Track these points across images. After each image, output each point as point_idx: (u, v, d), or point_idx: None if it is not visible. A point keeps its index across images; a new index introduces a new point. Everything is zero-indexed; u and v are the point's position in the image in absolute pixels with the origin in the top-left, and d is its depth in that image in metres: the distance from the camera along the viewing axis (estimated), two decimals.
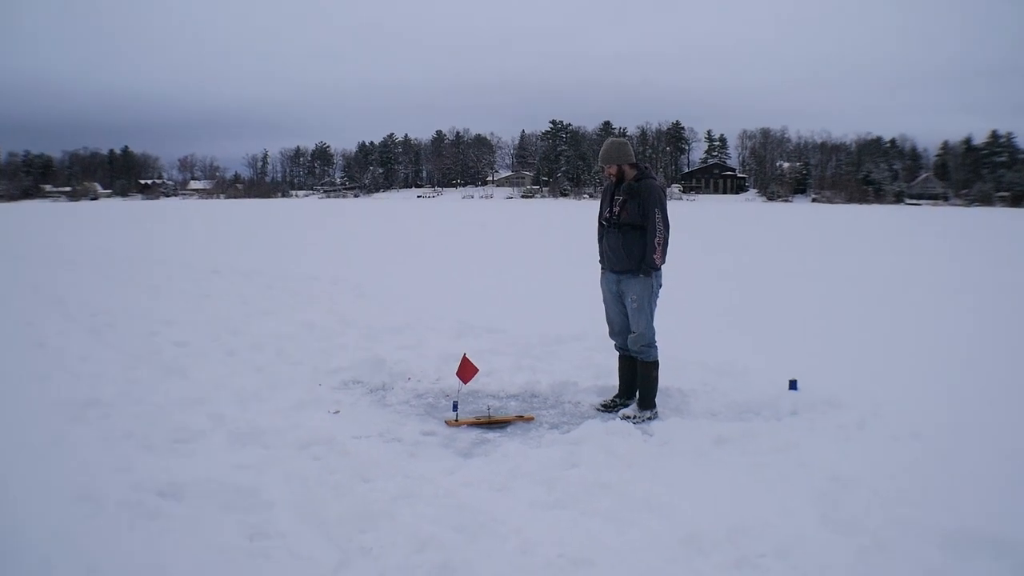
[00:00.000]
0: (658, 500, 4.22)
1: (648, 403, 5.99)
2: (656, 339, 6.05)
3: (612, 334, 6.36)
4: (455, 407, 5.96)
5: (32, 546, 3.77)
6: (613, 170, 6.00)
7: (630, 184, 5.94)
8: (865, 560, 3.63)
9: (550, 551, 3.70)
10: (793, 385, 6.21)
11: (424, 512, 4.15)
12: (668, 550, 3.71)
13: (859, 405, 5.86)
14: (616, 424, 5.47)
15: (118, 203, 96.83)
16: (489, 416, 5.94)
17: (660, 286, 6.08)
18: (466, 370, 6.06)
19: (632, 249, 5.91)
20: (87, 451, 5.07)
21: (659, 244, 5.80)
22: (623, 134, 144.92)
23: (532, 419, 6.00)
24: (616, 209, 5.98)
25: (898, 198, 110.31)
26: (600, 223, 6.20)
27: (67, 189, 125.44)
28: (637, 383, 6.12)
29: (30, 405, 6.08)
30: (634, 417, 5.87)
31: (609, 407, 6.21)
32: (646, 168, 6.02)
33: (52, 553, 3.69)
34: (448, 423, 5.82)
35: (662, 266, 5.92)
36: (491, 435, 5.60)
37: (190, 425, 5.56)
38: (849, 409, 5.77)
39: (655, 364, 6.02)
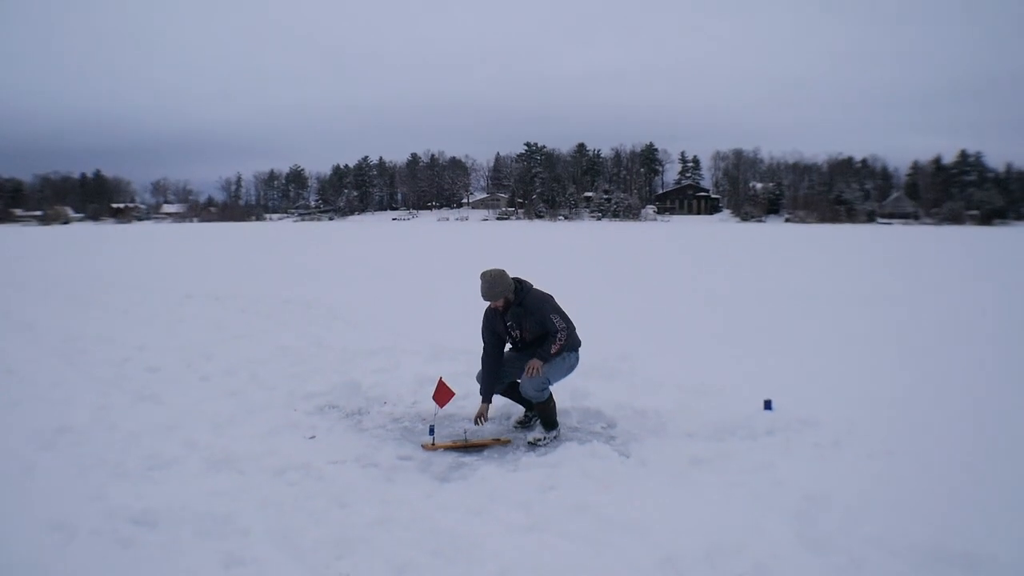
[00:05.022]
0: (635, 522, 4.24)
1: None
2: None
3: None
4: (431, 431, 5.94)
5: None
6: (500, 303, 6.08)
7: (514, 309, 6.06)
8: None
9: (527, 575, 3.70)
10: (768, 405, 6.26)
11: (401, 537, 4.14)
12: (646, 572, 3.72)
13: (834, 424, 5.91)
14: (593, 446, 5.49)
15: (90, 227, 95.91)
16: (466, 440, 5.93)
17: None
18: (442, 394, 6.05)
19: (544, 350, 5.98)
20: (59, 479, 5.01)
21: (559, 345, 5.93)
22: (597, 156, 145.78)
23: (509, 442, 6.00)
24: (517, 333, 6.13)
25: (870, 217, 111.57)
26: (484, 345, 6.23)
27: (38, 213, 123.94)
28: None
29: (1, 432, 5.99)
30: (543, 439, 5.98)
31: (524, 423, 6.40)
32: (520, 285, 6.12)
33: None
34: (425, 447, 5.80)
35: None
36: (468, 459, 5.59)
37: (164, 452, 5.51)
38: (824, 428, 5.82)
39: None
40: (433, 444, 5.82)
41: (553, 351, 5.90)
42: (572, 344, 6.15)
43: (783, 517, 4.28)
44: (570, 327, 6.03)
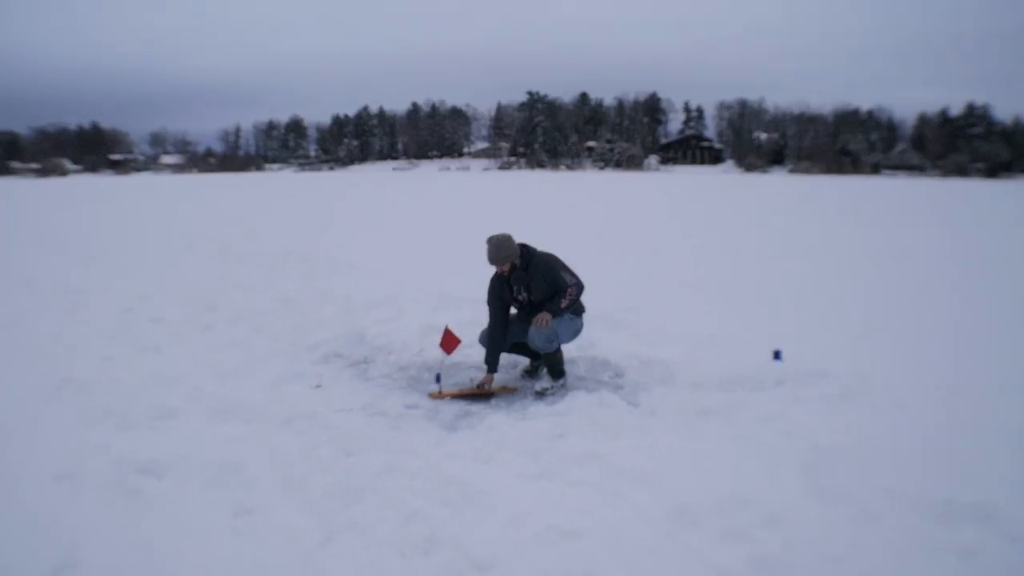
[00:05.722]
0: (645, 471, 4.21)
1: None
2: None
3: None
4: (438, 379, 5.91)
5: (12, 528, 3.69)
6: (506, 267, 5.95)
7: (519, 274, 5.94)
8: (853, 530, 3.62)
9: (538, 523, 3.67)
10: (777, 355, 6.18)
11: (410, 485, 4.12)
12: (658, 521, 3.69)
13: (843, 375, 5.83)
14: (602, 395, 5.45)
15: (88, 179, 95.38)
16: (473, 387, 5.89)
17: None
18: (449, 342, 6.00)
19: (555, 303, 5.88)
20: (65, 430, 4.99)
21: (570, 299, 5.84)
22: (600, 105, 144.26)
23: (516, 390, 5.98)
24: (524, 296, 6.01)
25: (875, 169, 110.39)
26: (491, 313, 6.10)
27: (35, 166, 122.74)
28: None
29: (5, 385, 5.96)
30: (551, 388, 5.93)
31: (530, 372, 6.39)
32: (525, 250, 5.99)
33: (32, 534, 3.63)
34: (431, 395, 5.78)
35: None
36: (475, 407, 5.56)
37: (169, 402, 5.48)
38: (833, 379, 5.74)
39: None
40: (440, 392, 5.79)
41: (564, 304, 5.81)
42: (581, 310, 6.10)
43: (794, 468, 4.24)
44: (580, 284, 5.93)
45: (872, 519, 3.71)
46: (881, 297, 9.87)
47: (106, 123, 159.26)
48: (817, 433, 4.72)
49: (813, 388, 5.58)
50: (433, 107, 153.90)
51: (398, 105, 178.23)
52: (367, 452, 4.61)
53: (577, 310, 6.08)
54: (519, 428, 4.98)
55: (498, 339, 6.07)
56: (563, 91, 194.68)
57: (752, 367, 6.04)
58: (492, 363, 6.03)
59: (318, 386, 6.06)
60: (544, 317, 5.75)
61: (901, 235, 18.52)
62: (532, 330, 5.81)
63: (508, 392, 5.96)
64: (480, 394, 5.83)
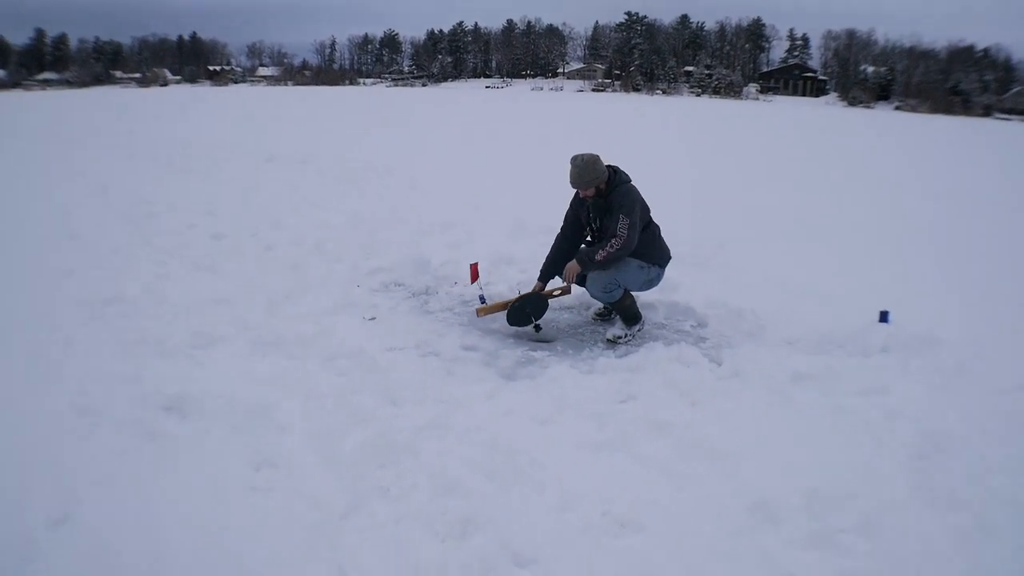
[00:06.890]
0: (724, 451, 3.60)
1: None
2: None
3: None
4: (482, 300, 5.60)
5: (16, 469, 3.39)
6: (591, 192, 5.26)
7: (597, 200, 5.28)
8: (966, 546, 2.98)
9: (593, 508, 3.16)
10: (884, 317, 5.40)
11: (453, 449, 3.64)
12: (733, 517, 3.12)
13: (959, 345, 5.01)
14: (681, 349, 4.84)
15: (187, 89, 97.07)
16: (519, 293, 5.49)
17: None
18: (473, 275, 5.66)
19: (591, 251, 5.28)
20: (97, 357, 4.70)
21: (608, 252, 5.11)
22: (701, 29, 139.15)
23: (569, 291, 5.75)
24: (596, 225, 5.39)
25: (987, 111, 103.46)
26: (563, 226, 5.59)
27: (137, 76, 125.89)
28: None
29: (49, 303, 5.73)
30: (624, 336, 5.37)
31: (603, 316, 5.84)
32: (614, 175, 5.27)
33: (30, 477, 3.32)
34: (478, 312, 5.40)
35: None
36: (538, 354, 5.04)
37: (211, 330, 5.14)
38: (947, 349, 4.93)
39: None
40: (485, 306, 5.44)
41: (599, 257, 5.13)
42: (658, 259, 5.43)
43: (898, 460, 3.57)
44: (629, 241, 5.12)
45: (990, 534, 3.05)
46: (1010, 256, 8.75)
47: (205, 34, 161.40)
48: (927, 416, 4.00)
49: (924, 358, 4.80)
50: (528, 25, 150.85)
51: (493, 22, 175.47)
52: (412, 403, 4.15)
53: (658, 259, 5.43)
54: (584, 385, 4.42)
55: (559, 253, 5.53)
56: (663, 13, 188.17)
57: (855, 327, 5.28)
58: (544, 274, 5.56)
59: (372, 318, 5.63)
60: (571, 268, 5.26)
61: None
62: (588, 277, 5.35)
63: (556, 297, 5.74)
64: (527, 298, 5.37)
